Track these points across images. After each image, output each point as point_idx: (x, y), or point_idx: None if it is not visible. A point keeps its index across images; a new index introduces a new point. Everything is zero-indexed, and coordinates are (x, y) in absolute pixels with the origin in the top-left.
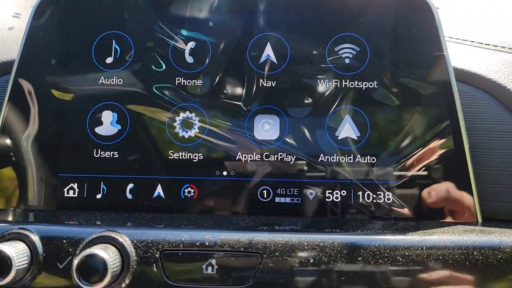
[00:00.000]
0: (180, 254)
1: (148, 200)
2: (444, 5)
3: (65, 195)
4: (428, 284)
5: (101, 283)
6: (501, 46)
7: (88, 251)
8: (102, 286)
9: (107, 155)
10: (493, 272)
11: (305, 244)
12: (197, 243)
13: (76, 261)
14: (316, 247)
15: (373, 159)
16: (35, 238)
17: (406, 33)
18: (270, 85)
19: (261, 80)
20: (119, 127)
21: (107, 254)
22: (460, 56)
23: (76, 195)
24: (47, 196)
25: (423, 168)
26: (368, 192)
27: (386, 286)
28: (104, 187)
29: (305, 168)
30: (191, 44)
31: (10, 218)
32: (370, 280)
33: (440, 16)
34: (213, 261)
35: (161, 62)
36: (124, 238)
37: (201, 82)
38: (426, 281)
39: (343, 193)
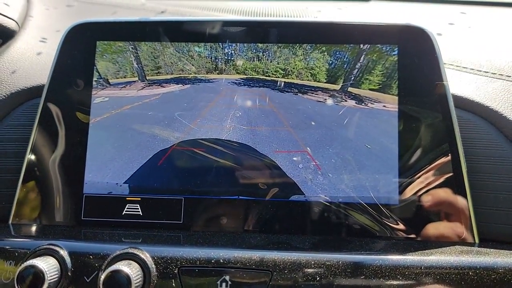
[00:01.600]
0: (196, 270)
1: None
2: (445, 31)
3: (88, 213)
4: None
5: None
6: (499, 74)
7: (114, 267)
8: None
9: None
10: None
11: (313, 262)
12: (212, 260)
13: (102, 276)
14: (322, 265)
15: (376, 182)
16: (64, 254)
17: (409, 63)
18: None
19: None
20: None
21: (130, 269)
22: (459, 82)
23: (98, 213)
24: (72, 213)
25: (423, 191)
26: (371, 212)
27: None
28: (125, 206)
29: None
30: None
31: (39, 234)
32: None
33: (441, 43)
34: (227, 277)
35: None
36: (145, 255)
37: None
38: None
39: (348, 213)
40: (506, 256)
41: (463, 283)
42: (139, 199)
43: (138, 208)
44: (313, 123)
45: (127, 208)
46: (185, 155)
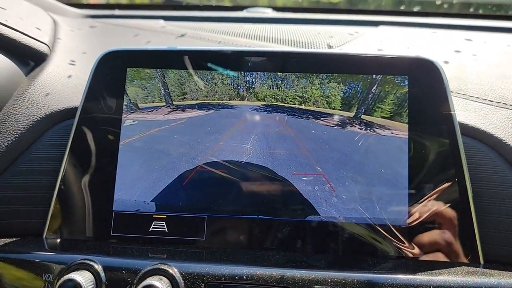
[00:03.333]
0: (222, 286)
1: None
2: (451, 58)
3: (117, 228)
4: None
5: None
6: (503, 103)
7: (146, 282)
8: None
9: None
10: None
11: (329, 280)
12: (236, 277)
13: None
14: (338, 283)
15: (387, 204)
16: (99, 268)
17: (418, 93)
18: None
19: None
20: None
21: (161, 285)
22: (465, 111)
23: (126, 229)
24: (102, 228)
25: (432, 213)
26: (382, 233)
27: None
28: (152, 223)
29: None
30: None
31: (72, 248)
32: None
33: (448, 71)
34: None
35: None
36: (174, 271)
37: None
38: None
39: (360, 233)
40: (510, 277)
41: None
42: (165, 216)
43: (164, 225)
44: (327, 147)
45: (154, 225)
46: (208, 176)
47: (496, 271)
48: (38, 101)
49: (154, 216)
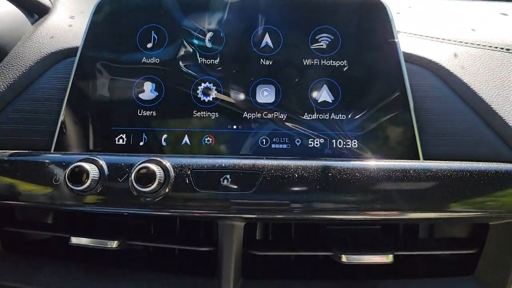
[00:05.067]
0: (205, 172)
1: (178, 146)
2: (403, 11)
3: (116, 143)
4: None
5: (151, 186)
6: (442, 38)
7: (143, 165)
8: (151, 189)
9: (148, 114)
10: (415, 187)
11: (292, 165)
12: (216, 165)
13: (133, 173)
14: (299, 168)
15: (343, 116)
16: (102, 163)
17: (367, 26)
18: (268, 63)
19: (261, 59)
20: (157, 93)
21: (156, 168)
22: (409, 44)
23: (124, 142)
24: (103, 143)
25: (380, 122)
26: (340, 139)
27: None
28: (145, 137)
29: (294, 123)
30: (210, 34)
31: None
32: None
33: (398, 19)
34: (228, 176)
35: (188, 46)
36: (166, 161)
37: (217, 61)
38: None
39: (321, 140)
40: (445, 165)
41: (405, 178)
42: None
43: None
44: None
45: (145, 139)
46: None
47: (431, 161)
48: (44, 42)
49: (146, 131)
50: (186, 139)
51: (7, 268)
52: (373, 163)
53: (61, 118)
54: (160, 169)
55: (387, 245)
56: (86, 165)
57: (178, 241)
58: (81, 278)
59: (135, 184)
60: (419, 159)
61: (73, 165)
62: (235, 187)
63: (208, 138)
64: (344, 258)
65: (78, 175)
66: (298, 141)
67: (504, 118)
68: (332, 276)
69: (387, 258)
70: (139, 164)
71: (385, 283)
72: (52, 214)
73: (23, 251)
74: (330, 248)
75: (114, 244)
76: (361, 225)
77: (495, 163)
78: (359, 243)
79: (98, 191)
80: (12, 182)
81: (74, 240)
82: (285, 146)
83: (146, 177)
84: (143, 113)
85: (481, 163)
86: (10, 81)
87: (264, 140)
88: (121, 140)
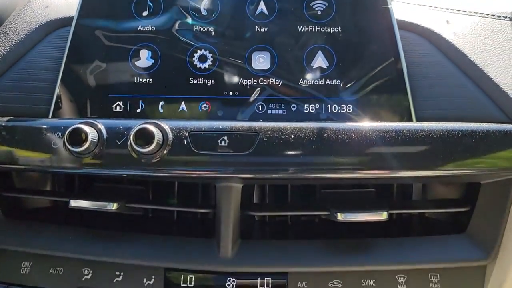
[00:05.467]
0: (202, 133)
1: (175, 112)
2: None
3: (113, 110)
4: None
5: (150, 146)
6: (434, 6)
7: (142, 126)
8: (150, 149)
9: (144, 81)
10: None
11: (289, 127)
12: (214, 127)
13: (132, 133)
14: (296, 129)
15: (338, 81)
16: (101, 126)
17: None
18: (263, 30)
19: (256, 26)
20: (153, 61)
21: (154, 129)
22: (403, 11)
23: (121, 110)
24: (100, 110)
25: (374, 86)
26: (335, 104)
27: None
28: (142, 104)
29: (289, 89)
30: (205, 1)
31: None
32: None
33: None
34: (225, 138)
35: (184, 14)
36: (164, 124)
37: (213, 28)
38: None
39: (317, 105)
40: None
41: (399, 138)
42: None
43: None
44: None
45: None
46: None
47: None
48: (39, 12)
49: (143, 98)
50: (183, 105)
51: (8, 233)
52: (367, 124)
53: (58, 86)
54: (159, 131)
55: (382, 204)
56: (85, 127)
57: (177, 204)
58: (81, 239)
59: (134, 145)
60: (412, 121)
61: (73, 126)
62: (233, 148)
63: (205, 105)
64: (340, 217)
65: (77, 136)
66: (294, 107)
67: (494, 80)
68: (328, 238)
69: (382, 216)
70: (137, 126)
71: (379, 241)
72: (51, 182)
73: (23, 218)
74: (326, 208)
75: (113, 206)
76: (356, 189)
77: (486, 123)
78: (354, 205)
79: (97, 153)
80: (11, 147)
81: (73, 203)
82: (281, 111)
83: (145, 138)
84: (139, 80)
85: (472, 123)
86: (6, 49)
87: (260, 106)
88: (118, 108)
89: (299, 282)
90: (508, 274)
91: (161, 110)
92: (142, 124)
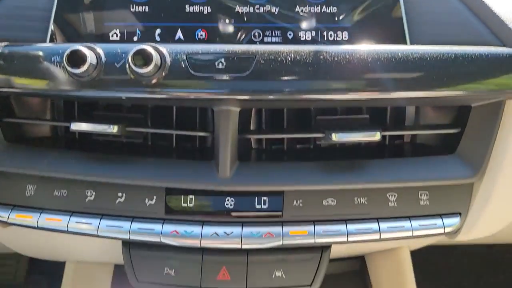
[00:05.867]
0: (200, 56)
1: (171, 40)
2: None
3: (110, 38)
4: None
5: (148, 67)
6: None
7: (140, 47)
8: (148, 70)
9: (140, 9)
10: (402, 67)
11: (285, 50)
12: (211, 50)
13: (131, 53)
14: (293, 52)
15: (334, 9)
16: (99, 49)
17: None
18: None
19: None
20: None
21: (152, 50)
22: None
23: (118, 38)
24: (97, 39)
25: (369, 12)
26: (331, 31)
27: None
28: (139, 32)
29: (285, 16)
30: None
31: None
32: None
33: None
34: (223, 60)
35: None
36: (162, 47)
37: None
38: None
39: (313, 33)
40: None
41: (393, 60)
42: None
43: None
44: None
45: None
46: None
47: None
48: None
49: (139, 26)
50: (179, 33)
51: (12, 157)
52: (363, 47)
53: (53, 15)
54: (157, 53)
55: (375, 126)
56: (85, 49)
57: (176, 128)
58: (84, 162)
59: (132, 66)
60: (406, 43)
61: (72, 48)
62: (230, 70)
63: (201, 33)
64: (334, 137)
65: (77, 57)
66: (290, 34)
67: (487, 4)
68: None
69: (375, 136)
70: (136, 47)
71: (372, 162)
72: (51, 111)
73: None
74: (321, 131)
75: (114, 129)
76: (350, 114)
77: (478, 46)
78: (349, 127)
79: (96, 75)
80: (10, 71)
81: (74, 126)
82: (277, 39)
83: (143, 59)
84: (135, 8)
85: (465, 46)
86: None
87: (256, 33)
88: (115, 36)
89: (295, 200)
90: (493, 191)
91: (157, 38)
92: (141, 45)
